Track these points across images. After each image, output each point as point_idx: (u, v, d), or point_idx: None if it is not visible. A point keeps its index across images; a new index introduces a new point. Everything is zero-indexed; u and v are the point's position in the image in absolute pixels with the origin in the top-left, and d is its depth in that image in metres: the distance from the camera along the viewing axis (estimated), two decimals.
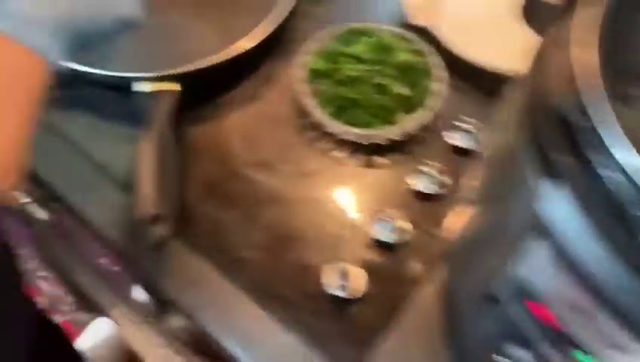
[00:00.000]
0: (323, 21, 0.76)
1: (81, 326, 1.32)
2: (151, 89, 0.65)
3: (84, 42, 0.47)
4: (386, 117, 0.65)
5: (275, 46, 0.75)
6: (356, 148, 0.67)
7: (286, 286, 0.58)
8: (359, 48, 0.68)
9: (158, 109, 0.63)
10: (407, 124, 0.65)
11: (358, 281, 0.57)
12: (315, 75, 0.69)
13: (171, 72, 0.66)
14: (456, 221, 0.53)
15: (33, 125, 0.43)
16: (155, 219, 0.56)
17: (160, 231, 0.57)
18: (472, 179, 0.50)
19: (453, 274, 0.54)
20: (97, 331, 1.31)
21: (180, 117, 0.66)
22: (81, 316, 1.33)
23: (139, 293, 0.81)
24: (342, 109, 0.66)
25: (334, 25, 0.73)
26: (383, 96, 0.66)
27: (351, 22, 0.73)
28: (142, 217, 0.56)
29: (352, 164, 0.67)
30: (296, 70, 0.68)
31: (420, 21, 0.75)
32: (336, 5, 0.83)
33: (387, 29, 0.72)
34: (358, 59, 0.68)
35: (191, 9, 0.78)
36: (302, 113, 0.69)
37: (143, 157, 0.58)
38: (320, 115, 0.66)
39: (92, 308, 1.20)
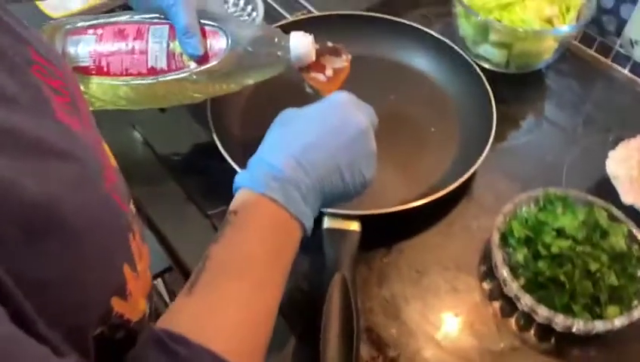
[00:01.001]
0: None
1: None
2: (335, 226, 0.63)
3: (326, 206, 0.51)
4: (591, 307, 0.58)
5: (461, 193, 0.72)
6: (547, 332, 0.59)
7: None
8: (566, 222, 0.62)
9: (343, 249, 0.61)
10: (617, 319, 0.57)
11: None
12: (510, 239, 0.64)
13: (357, 212, 0.64)
14: None
15: (287, 278, 0.46)
16: None
17: None
18: None
19: None
20: None
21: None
22: None
23: None
24: (538, 286, 0.60)
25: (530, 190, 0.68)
26: (592, 282, 0.58)
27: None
28: None
29: (539, 350, 0.59)
30: (492, 232, 0.64)
31: (634, 202, 0.67)
32: (531, 163, 0.78)
33: (592, 201, 0.66)
34: (563, 234, 0.62)
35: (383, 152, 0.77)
36: (487, 274, 0.64)
37: (332, 302, 0.56)
38: (513, 286, 0.60)
39: None
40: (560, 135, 0.83)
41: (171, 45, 0.61)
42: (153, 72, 0.62)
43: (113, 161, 0.47)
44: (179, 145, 0.79)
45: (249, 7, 0.92)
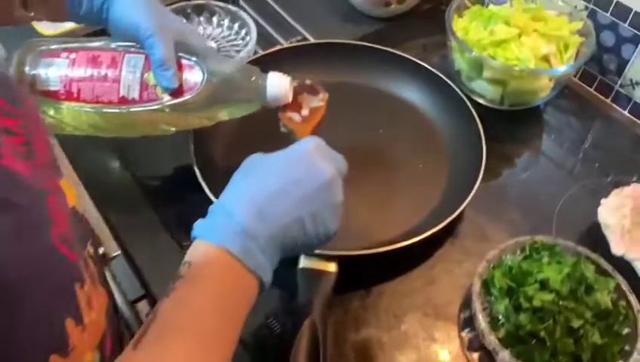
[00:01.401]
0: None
1: None
2: (311, 266, 0.61)
3: (288, 257, 0.49)
4: None
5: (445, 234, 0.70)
6: None
7: None
8: (551, 274, 0.60)
9: (318, 290, 0.59)
10: None
11: None
12: (492, 287, 0.61)
13: (335, 253, 0.61)
14: None
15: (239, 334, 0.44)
16: None
17: None
18: None
19: None
20: None
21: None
22: None
23: None
24: (519, 340, 0.57)
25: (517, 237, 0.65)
26: (574, 340, 0.56)
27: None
28: None
29: None
30: (474, 280, 0.61)
31: (625, 253, 0.65)
32: (522, 204, 0.76)
33: (581, 252, 0.63)
34: (547, 287, 0.59)
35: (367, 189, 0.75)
36: (467, 323, 0.61)
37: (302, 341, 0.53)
38: (492, 339, 0.57)
39: None
40: (554, 176, 0.81)
41: (145, 76, 0.60)
42: (124, 101, 0.60)
43: (72, 201, 0.45)
44: (159, 171, 0.77)
45: (243, 31, 0.91)
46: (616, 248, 0.66)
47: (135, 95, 0.60)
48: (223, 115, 0.63)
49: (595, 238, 0.69)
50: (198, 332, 0.41)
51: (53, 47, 0.62)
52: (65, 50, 0.61)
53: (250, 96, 0.62)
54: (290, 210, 0.47)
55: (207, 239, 0.45)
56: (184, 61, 0.60)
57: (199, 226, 0.47)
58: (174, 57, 0.59)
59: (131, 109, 0.60)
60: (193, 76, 0.60)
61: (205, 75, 0.60)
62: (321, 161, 0.50)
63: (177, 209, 0.72)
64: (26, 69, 0.60)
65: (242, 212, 0.45)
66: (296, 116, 0.65)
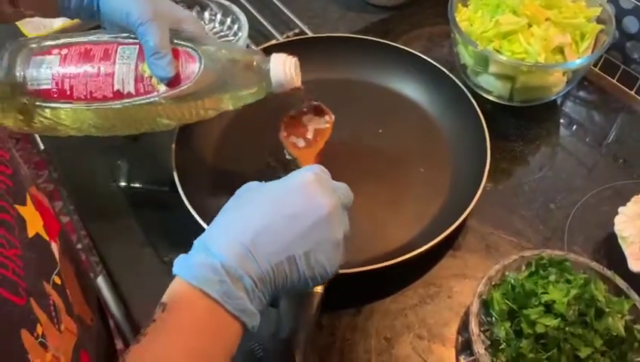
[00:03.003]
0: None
1: None
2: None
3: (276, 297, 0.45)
4: None
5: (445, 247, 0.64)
6: None
7: None
8: (557, 295, 0.54)
9: (302, 314, 0.54)
10: None
11: None
12: (491, 309, 0.55)
13: None
14: None
15: None
16: None
17: None
18: None
19: None
20: None
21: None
22: None
23: None
24: None
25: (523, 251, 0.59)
26: None
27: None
28: None
29: None
30: (473, 299, 0.56)
31: None
32: (531, 211, 0.69)
33: (593, 269, 0.57)
34: (552, 310, 0.53)
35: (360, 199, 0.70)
36: (466, 347, 0.56)
37: None
38: None
39: None
40: (570, 177, 0.74)
41: (140, 67, 0.56)
42: (119, 95, 0.56)
43: (35, 228, 0.42)
44: (143, 181, 0.74)
45: (235, 26, 0.86)
46: (634, 264, 0.59)
47: (130, 88, 0.55)
48: (226, 104, 0.58)
49: (612, 251, 0.63)
50: None
51: (44, 44, 0.58)
52: (56, 46, 0.57)
53: (253, 82, 0.57)
54: (282, 249, 0.42)
55: (186, 278, 0.41)
56: (180, 48, 0.56)
57: (179, 262, 0.42)
58: (169, 44, 0.54)
59: (127, 104, 0.56)
60: (190, 64, 0.55)
61: (203, 62, 0.55)
62: (318, 194, 0.45)
63: (161, 220, 0.68)
64: (17, 70, 0.56)
65: (225, 250, 0.41)
66: (300, 142, 0.62)
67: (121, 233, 0.68)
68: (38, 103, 0.57)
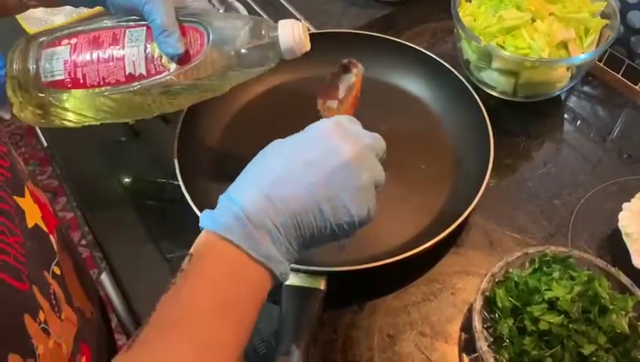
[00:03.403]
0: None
1: None
2: (298, 284, 0.56)
3: (304, 249, 0.45)
4: None
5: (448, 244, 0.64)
6: None
7: None
8: (560, 292, 0.53)
9: (305, 312, 0.55)
10: None
11: None
12: (494, 306, 0.55)
13: (324, 269, 0.57)
14: None
15: (248, 336, 0.41)
16: None
17: None
18: None
19: None
20: None
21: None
22: None
23: None
24: None
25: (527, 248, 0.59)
26: None
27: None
28: None
29: None
30: (476, 296, 0.55)
31: None
32: (535, 207, 0.69)
33: (597, 266, 0.57)
34: (555, 306, 0.53)
35: None
36: (469, 344, 0.56)
37: None
38: None
39: None
40: (575, 173, 0.73)
41: (149, 48, 0.55)
42: (132, 78, 0.56)
43: (34, 219, 0.42)
44: (146, 178, 0.74)
45: None
46: (639, 260, 0.59)
47: (142, 70, 0.55)
48: (238, 76, 0.58)
49: (616, 247, 0.63)
50: (191, 335, 0.37)
51: (53, 36, 0.58)
52: (65, 36, 0.58)
53: (263, 51, 0.57)
54: (301, 194, 0.42)
55: (211, 228, 0.41)
56: (187, 24, 0.56)
57: (204, 215, 0.43)
58: (176, 21, 0.54)
59: (140, 86, 0.56)
60: (199, 39, 0.55)
61: (211, 36, 0.55)
62: (338, 141, 0.45)
63: (163, 218, 0.69)
64: (30, 64, 0.56)
65: (246, 199, 0.41)
66: (334, 104, 0.61)
67: (124, 230, 0.69)
68: (53, 95, 0.57)
